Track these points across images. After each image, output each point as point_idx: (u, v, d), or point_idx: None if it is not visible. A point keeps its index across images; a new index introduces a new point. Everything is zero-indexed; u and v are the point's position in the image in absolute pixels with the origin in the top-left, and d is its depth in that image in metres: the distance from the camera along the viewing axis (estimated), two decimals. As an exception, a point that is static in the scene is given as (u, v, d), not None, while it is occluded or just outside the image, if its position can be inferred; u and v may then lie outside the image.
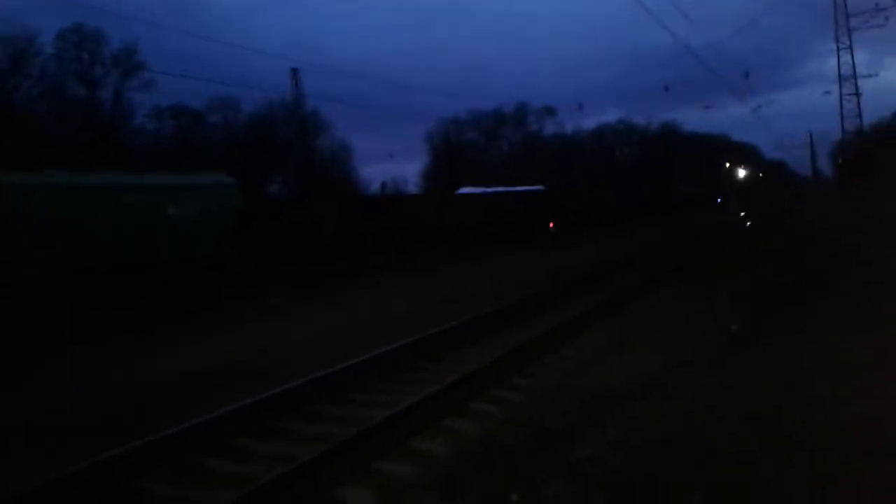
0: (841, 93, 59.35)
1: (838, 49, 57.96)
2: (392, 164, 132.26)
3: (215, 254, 17.87)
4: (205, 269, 17.31)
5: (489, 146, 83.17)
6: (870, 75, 61.82)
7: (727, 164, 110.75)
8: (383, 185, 72.73)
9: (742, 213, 54.43)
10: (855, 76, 58.32)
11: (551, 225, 42.90)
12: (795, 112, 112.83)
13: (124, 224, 16.02)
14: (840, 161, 79.18)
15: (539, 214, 38.57)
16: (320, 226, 23.18)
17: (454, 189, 49.22)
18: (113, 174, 19.20)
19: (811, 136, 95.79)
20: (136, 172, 19.84)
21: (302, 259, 21.40)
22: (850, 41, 57.13)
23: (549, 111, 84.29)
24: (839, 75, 58.85)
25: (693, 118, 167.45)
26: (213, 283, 17.00)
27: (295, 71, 57.31)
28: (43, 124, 41.33)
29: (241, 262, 18.45)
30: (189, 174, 21.06)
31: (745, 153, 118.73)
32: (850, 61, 57.95)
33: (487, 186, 46.94)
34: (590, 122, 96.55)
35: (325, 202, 25.58)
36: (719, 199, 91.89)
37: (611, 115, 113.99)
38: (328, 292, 17.46)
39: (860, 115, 59.38)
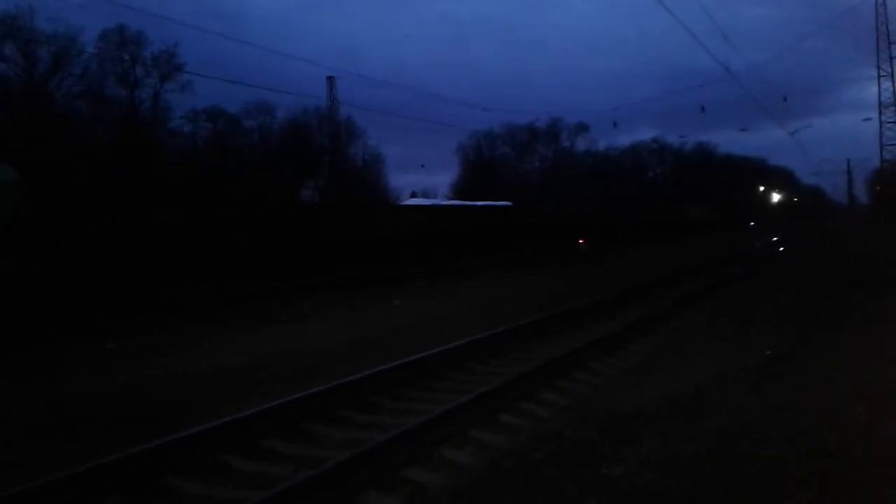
0: (881, 120, 58.69)
1: (879, 76, 57.50)
2: (424, 175, 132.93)
3: None
4: None
5: (521, 160, 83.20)
6: (911, 103, 61.02)
7: (761, 188, 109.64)
8: (413, 194, 73.07)
9: (774, 238, 53.73)
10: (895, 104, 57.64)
11: (581, 241, 42.48)
12: (834, 138, 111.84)
13: None
14: (877, 189, 78.09)
15: (501, 232, 35.55)
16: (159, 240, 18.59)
17: (480, 200, 49.16)
18: None
19: (848, 162, 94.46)
20: None
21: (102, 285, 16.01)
22: (892, 68, 56.49)
23: (583, 128, 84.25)
24: (879, 102, 58.23)
25: (729, 140, 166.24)
26: None
27: (331, 79, 57.90)
28: (81, 123, 42.01)
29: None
30: None
31: (779, 177, 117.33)
32: (892, 88, 57.25)
33: (518, 199, 46.58)
34: (624, 140, 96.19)
35: (173, 211, 20.66)
36: (752, 223, 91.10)
37: (645, 134, 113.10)
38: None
39: (900, 143, 58.66)
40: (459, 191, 72.13)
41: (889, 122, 58.73)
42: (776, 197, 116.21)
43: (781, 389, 7.13)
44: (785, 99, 49.27)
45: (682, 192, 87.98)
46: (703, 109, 53.33)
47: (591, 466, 5.11)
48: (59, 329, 12.49)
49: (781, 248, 39.89)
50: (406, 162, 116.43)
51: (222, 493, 5.29)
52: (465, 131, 75.10)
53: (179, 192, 33.51)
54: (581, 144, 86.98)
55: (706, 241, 51.35)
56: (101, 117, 44.12)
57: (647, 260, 30.61)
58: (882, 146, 59.52)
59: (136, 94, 47.41)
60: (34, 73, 41.26)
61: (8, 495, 4.71)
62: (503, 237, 35.21)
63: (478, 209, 39.17)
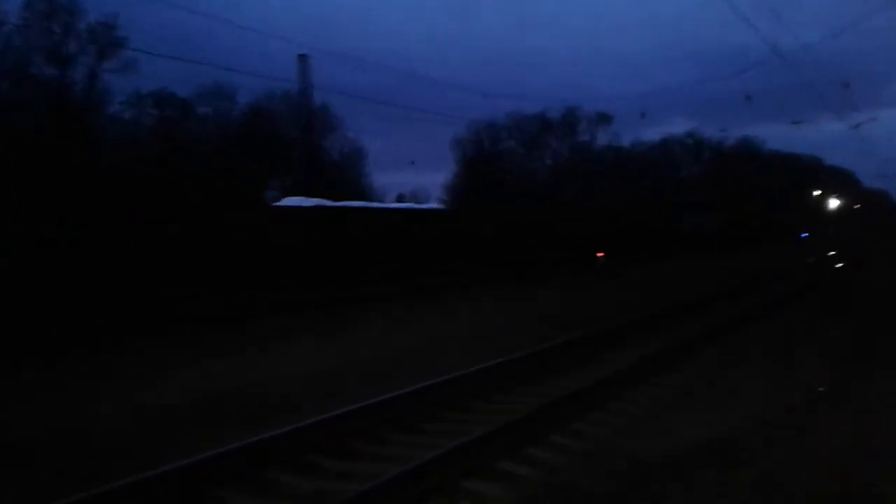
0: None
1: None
2: (414, 173, 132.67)
3: None
4: None
5: (530, 156, 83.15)
6: None
7: (816, 192, 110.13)
8: (400, 196, 73.17)
9: (832, 251, 54.05)
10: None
11: (600, 255, 42.57)
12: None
13: None
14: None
15: (422, 244, 33.67)
16: None
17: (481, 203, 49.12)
18: None
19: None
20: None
21: None
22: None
23: (604, 118, 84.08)
24: (957, 91, 58.64)
25: (779, 135, 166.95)
26: None
27: (303, 57, 57.90)
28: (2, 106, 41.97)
29: None
30: None
31: (838, 179, 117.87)
32: (972, 75, 57.71)
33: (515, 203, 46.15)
34: (653, 134, 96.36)
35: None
36: (805, 234, 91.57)
37: (678, 127, 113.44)
38: None
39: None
40: (455, 191, 72.18)
41: (968, 116, 59.22)
42: (833, 203, 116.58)
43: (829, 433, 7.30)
44: (846, 86, 49.37)
45: (718, 198, 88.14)
46: (748, 98, 53.53)
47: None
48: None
49: (840, 264, 40.08)
50: (392, 157, 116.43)
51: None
52: (464, 122, 75.17)
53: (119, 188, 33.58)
54: (602, 138, 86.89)
55: (746, 257, 51.50)
56: (26, 100, 44.04)
57: (672, 278, 30.72)
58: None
59: (68, 73, 47.36)
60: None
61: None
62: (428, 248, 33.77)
63: (395, 213, 37.70)
